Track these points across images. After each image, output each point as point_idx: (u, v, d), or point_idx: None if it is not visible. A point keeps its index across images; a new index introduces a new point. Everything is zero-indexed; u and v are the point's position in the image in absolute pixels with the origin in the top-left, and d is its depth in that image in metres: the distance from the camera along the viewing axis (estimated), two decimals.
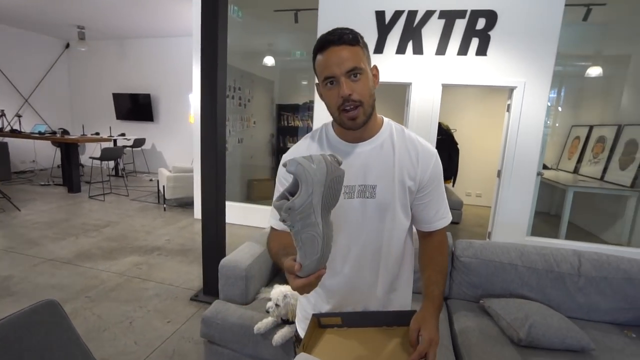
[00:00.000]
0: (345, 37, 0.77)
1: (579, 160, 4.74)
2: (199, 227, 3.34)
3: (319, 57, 0.80)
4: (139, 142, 7.28)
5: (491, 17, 3.37)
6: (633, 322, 1.69)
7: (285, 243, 0.79)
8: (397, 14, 3.56)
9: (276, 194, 0.83)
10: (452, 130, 5.45)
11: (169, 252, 3.43)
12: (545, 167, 4.80)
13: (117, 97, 7.60)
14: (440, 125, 4.09)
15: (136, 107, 7.55)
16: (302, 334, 0.98)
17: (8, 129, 6.18)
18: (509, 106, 3.60)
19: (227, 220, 2.67)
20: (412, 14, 3.53)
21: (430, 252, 0.93)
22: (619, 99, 4.38)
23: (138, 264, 3.13)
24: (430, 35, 3.53)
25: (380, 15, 3.60)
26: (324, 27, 3.65)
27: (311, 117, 4.42)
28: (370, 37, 3.62)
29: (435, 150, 0.89)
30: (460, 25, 3.44)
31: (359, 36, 0.80)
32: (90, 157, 5.72)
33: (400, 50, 3.62)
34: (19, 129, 6.18)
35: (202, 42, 2.37)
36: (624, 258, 1.75)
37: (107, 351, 1.96)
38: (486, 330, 1.56)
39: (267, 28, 5.19)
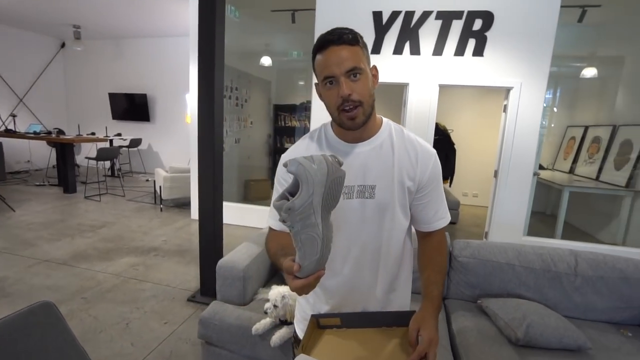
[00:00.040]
0: (345, 37, 0.77)
1: (575, 161, 4.78)
2: (195, 227, 3.33)
3: (318, 56, 0.79)
4: (135, 142, 7.25)
5: (488, 18, 3.38)
6: (629, 321, 1.70)
7: (283, 243, 0.79)
8: (395, 15, 3.57)
9: (275, 194, 0.83)
10: (449, 131, 5.47)
11: (165, 253, 3.41)
12: (541, 167, 4.83)
13: (113, 97, 7.55)
14: (437, 125, 4.10)
15: (132, 107, 7.50)
16: (300, 334, 0.97)
17: (3, 128, 6.13)
18: (505, 107, 3.61)
19: (224, 221, 2.66)
20: (409, 14, 3.54)
21: (430, 253, 0.93)
22: (614, 100, 4.42)
23: (134, 264, 3.11)
24: (428, 35, 3.54)
25: (377, 15, 3.61)
26: (321, 27, 3.66)
27: (308, 118, 4.41)
28: (367, 38, 3.53)
29: (435, 151, 0.89)
30: (457, 26, 3.46)
31: (359, 36, 0.80)
32: (86, 157, 5.68)
33: (398, 50, 3.63)
34: (13, 129, 6.14)
35: (200, 42, 2.36)
36: (620, 257, 1.76)
37: (104, 353, 1.95)
38: (484, 330, 1.56)
39: (264, 28, 5.17)
